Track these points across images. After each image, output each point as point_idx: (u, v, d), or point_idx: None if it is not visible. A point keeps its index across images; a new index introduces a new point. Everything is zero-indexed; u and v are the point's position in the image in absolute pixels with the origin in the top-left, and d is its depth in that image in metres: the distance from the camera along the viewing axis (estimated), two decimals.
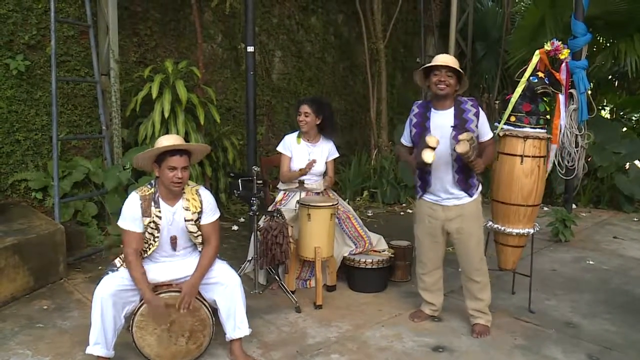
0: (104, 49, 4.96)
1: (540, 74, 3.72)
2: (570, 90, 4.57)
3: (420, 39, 8.25)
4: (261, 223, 3.63)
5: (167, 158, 2.67)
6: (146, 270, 2.73)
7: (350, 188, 6.88)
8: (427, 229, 3.25)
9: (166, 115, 4.71)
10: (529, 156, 3.45)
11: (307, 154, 4.00)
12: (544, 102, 3.63)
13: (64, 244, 3.95)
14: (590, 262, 4.70)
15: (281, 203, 4.02)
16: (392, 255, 3.99)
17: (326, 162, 4.05)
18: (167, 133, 4.64)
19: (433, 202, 3.19)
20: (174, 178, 2.68)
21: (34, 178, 4.67)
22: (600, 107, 8.51)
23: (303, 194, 3.83)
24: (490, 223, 3.65)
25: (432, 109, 3.12)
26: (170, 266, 2.84)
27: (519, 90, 3.67)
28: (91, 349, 2.62)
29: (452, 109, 3.07)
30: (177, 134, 4.60)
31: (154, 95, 4.72)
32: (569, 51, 4.32)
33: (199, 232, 2.83)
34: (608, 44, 6.99)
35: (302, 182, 3.76)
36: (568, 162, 4.59)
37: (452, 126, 3.03)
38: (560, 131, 4.39)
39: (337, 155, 4.13)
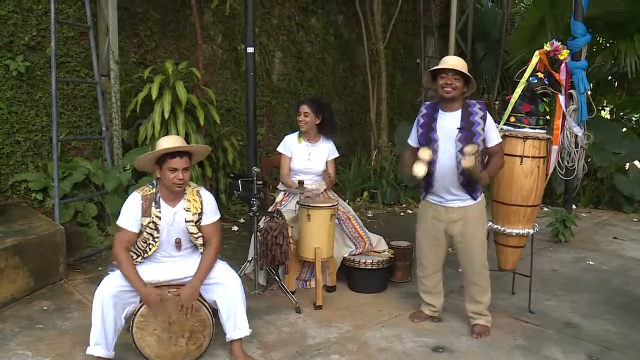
0: (104, 49, 4.97)
1: (540, 75, 3.73)
2: (570, 91, 4.57)
3: (420, 40, 8.26)
4: (261, 224, 3.63)
5: (167, 160, 2.68)
6: (146, 270, 2.74)
7: (350, 189, 6.88)
8: (429, 231, 3.25)
9: (166, 116, 4.72)
10: (529, 157, 3.46)
11: (307, 153, 4.00)
12: (543, 102, 3.64)
13: (64, 244, 3.95)
14: (590, 263, 4.70)
15: (281, 204, 4.02)
16: (392, 256, 3.99)
17: (326, 162, 4.06)
18: (167, 134, 4.64)
19: (436, 203, 3.19)
20: (175, 179, 2.68)
21: (34, 179, 4.67)
22: (600, 108, 8.52)
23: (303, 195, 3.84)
24: (490, 223, 3.64)
25: (440, 110, 3.12)
26: (171, 266, 2.85)
27: (518, 90, 3.68)
28: (91, 350, 2.62)
29: (459, 111, 3.06)
30: (177, 134, 4.60)
31: (154, 96, 4.72)
32: (569, 52, 4.32)
33: (200, 234, 2.83)
34: (608, 45, 6.99)
35: (302, 183, 3.76)
36: (568, 163, 4.59)
37: (457, 128, 3.03)
38: (562, 132, 4.40)
39: (337, 155, 4.14)
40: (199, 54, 5.52)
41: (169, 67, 4.93)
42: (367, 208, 6.60)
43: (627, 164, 7.12)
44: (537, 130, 3.55)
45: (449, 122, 3.06)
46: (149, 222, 2.73)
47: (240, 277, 2.88)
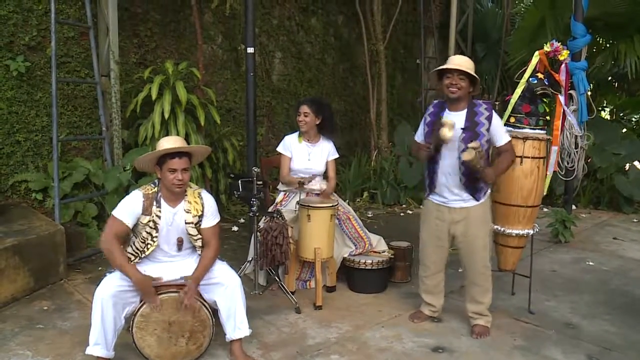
0: (104, 50, 4.97)
1: (540, 75, 3.73)
2: (570, 92, 4.57)
3: (420, 40, 8.26)
4: (261, 224, 3.64)
5: (167, 160, 2.69)
6: (145, 270, 2.74)
7: (350, 189, 6.88)
8: (432, 231, 3.25)
9: (166, 116, 4.72)
10: (529, 157, 3.46)
11: (306, 154, 4.00)
12: (543, 103, 3.64)
13: (64, 244, 3.96)
14: (590, 263, 4.70)
15: (281, 204, 4.03)
16: (392, 256, 3.99)
17: (326, 163, 4.06)
18: (167, 134, 4.64)
19: (439, 203, 3.20)
20: (174, 180, 2.69)
21: (34, 179, 4.67)
22: (600, 109, 8.51)
23: (303, 195, 3.84)
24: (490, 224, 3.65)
25: (447, 110, 3.13)
26: (170, 266, 2.85)
27: (518, 91, 3.68)
28: (91, 350, 2.62)
29: (465, 111, 3.07)
30: (177, 135, 4.60)
31: (154, 96, 4.72)
32: (568, 52, 4.32)
33: (199, 236, 2.84)
34: (608, 45, 6.98)
35: (302, 183, 3.77)
36: (568, 163, 4.60)
37: (462, 128, 3.03)
38: (562, 132, 4.40)
39: (336, 156, 4.14)
40: (199, 54, 5.52)
41: (169, 67, 4.93)
42: (367, 208, 6.60)
43: (627, 164, 7.12)
44: (537, 131, 3.55)
45: (454, 122, 3.05)
46: (149, 221, 2.73)
47: (240, 277, 2.89)
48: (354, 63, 7.88)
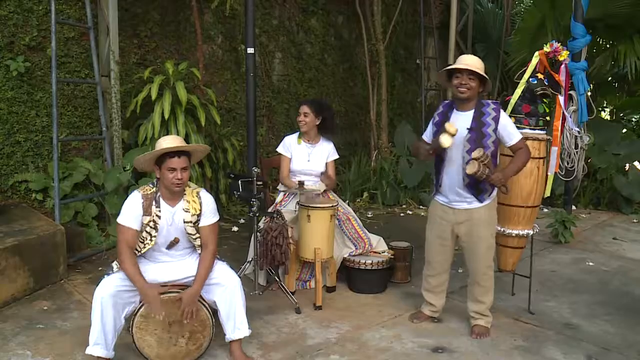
0: (104, 50, 4.97)
1: (540, 76, 3.73)
2: (570, 92, 4.57)
3: (420, 41, 8.26)
4: (261, 224, 3.64)
5: (166, 160, 2.69)
6: (145, 270, 2.74)
7: (350, 189, 6.88)
8: (437, 231, 3.26)
9: (166, 116, 4.72)
10: None
11: (306, 154, 4.01)
12: (543, 103, 3.64)
13: (64, 245, 3.96)
14: (590, 264, 4.70)
15: (281, 204, 4.03)
16: (392, 257, 3.99)
17: (326, 163, 4.06)
18: (167, 134, 4.63)
19: (444, 203, 3.20)
20: (173, 179, 2.69)
21: (35, 179, 4.68)
22: (600, 109, 8.52)
23: (303, 198, 3.84)
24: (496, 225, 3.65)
25: (455, 110, 3.13)
26: (170, 267, 2.85)
27: (518, 91, 3.68)
28: (91, 350, 2.63)
29: (473, 111, 3.06)
30: (178, 135, 4.61)
31: (154, 96, 4.72)
32: (568, 53, 4.32)
33: (198, 235, 2.83)
34: (608, 46, 6.99)
35: (301, 183, 3.77)
36: (568, 164, 4.59)
37: (467, 128, 3.02)
38: (562, 133, 4.40)
39: (336, 156, 4.14)
40: (199, 54, 5.53)
41: (169, 67, 4.93)
42: (367, 209, 6.60)
43: (627, 165, 7.12)
44: (537, 131, 3.55)
45: (461, 122, 3.04)
46: (149, 221, 2.73)
47: (240, 277, 2.89)
48: (354, 63, 7.88)
